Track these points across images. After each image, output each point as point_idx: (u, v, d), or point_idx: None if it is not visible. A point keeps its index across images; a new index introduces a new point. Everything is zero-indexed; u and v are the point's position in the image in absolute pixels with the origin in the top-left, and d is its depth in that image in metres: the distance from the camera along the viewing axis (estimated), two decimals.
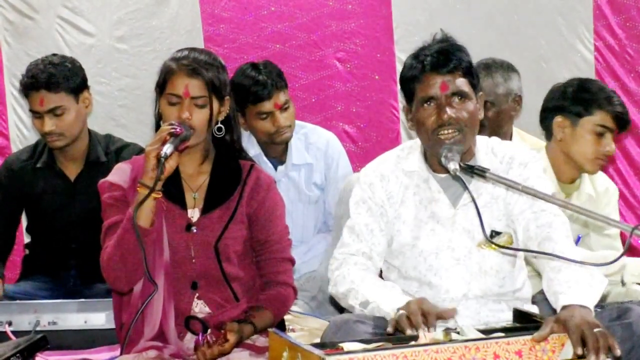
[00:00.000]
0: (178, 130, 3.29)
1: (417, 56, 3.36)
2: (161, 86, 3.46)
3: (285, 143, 4.89)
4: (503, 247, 3.35)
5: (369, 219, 3.45)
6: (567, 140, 4.34)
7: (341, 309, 3.68)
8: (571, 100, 4.33)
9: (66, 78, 4.36)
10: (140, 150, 4.46)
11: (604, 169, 4.53)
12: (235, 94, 4.65)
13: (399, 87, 5.62)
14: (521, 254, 3.48)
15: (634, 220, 5.69)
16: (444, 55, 3.31)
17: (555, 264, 3.13)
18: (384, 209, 3.45)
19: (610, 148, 4.31)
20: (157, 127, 3.47)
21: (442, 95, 3.30)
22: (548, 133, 4.44)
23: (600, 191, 4.47)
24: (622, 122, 4.32)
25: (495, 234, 3.36)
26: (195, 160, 3.52)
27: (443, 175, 3.39)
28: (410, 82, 3.36)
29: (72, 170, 4.47)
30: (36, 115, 4.34)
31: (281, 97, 4.79)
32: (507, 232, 3.39)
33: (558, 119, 4.35)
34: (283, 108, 4.80)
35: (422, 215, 3.41)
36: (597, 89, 4.33)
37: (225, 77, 3.52)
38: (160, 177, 3.26)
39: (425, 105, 3.32)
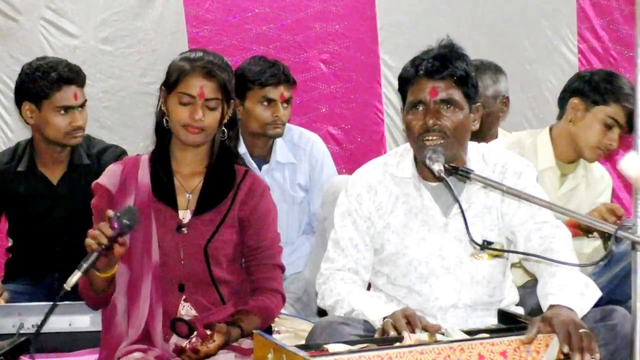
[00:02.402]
0: (114, 229, 3.16)
1: (415, 59, 3.35)
2: (172, 85, 3.46)
3: (274, 138, 4.92)
4: (498, 250, 3.36)
5: (354, 233, 3.44)
6: (577, 122, 4.38)
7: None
8: (593, 86, 4.37)
9: (83, 75, 4.43)
10: (122, 153, 4.47)
11: None
12: (241, 77, 4.74)
13: (383, 89, 5.70)
14: (510, 263, 3.51)
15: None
16: (439, 62, 3.30)
17: (552, 270, 3.14)
18: (371, 221, 3.43)
19: (614, 143, 4.35)
20: (159, 125, 3.50)
21: (431, 101, 3.28)
22: (561, 113, 4.48)
23: (596, 177, 4.53)
24: (630, 122, 4.33)
25: (487, 243, 3.34)
26: (197, 161, 3.53)
27: (434, 184, 3.38)
28: (404, 85, 3.37)
29: (54, 174, 4.44)
30: (65, 110, 4.32)
31: (287, 92, 4.88)
32: (499, 242, 3.38)
33: (574, 100, 4.39)
34: (285, 103, 4.85)
35: (412, 224, 3.40)
36: (621, 83, 4.37)
37: (233, 81, 3.55)
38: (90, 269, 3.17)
39: (414, 109, 3.31)
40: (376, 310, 3.16)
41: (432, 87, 3.28)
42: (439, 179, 3.23)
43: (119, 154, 4.46)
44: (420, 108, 3.30)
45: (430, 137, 3.27)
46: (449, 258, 3.38)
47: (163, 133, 3.53)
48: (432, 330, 2.97)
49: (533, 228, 3.32)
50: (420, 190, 3.40)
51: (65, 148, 4.41)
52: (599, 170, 4.60)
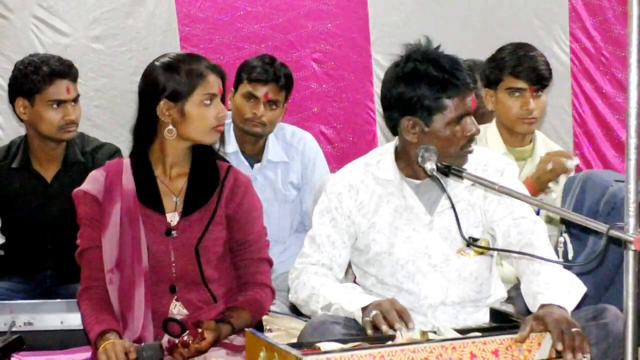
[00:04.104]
0: None
1: (438, 67, 3.28)
2: (188, 89, 3.41)
3: (253, 136, 4.91)
4: (486, 248, 3.38)
5: (332, 230, 3.44)
6: (495, 108, 4.52)
7: (301, 314, 3.68)
8: (488, 72, 4.52)
9: (75, 69, 4.43)
10: (116, 151, 4.47)
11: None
12: (240, 68, 4.82)
13: (375, 88, 5.69)
14: (495, 259, 3.52)
15: None
16: (469, 72, 3.32)
17: (535, 267, 3.15)
18: (351, 220, 3.43)
19: (529, 106, 4.41)
20: (149, 126, 3.47)
21: (471, 111, 3.32)
22: None
23: None
24: (532, 80, 4.41)
25: (472, 240, 3.35)
26: (182, 163, 3.51)
27: (417, 182, 3.39)
28: (441, 94, 3.27)
29: (48, 171, 4.44)
30: (57, 103, 4.32)
31: (274, 94, 4.82)
32: (485, 239, 3.40)
33: (485, 92, 4.54)
34: (270, 104, 4.82)
35: (397, 222, 3.40)
36: (505, 53, 4.48)
37: None
38: None
39: (459, 121, 3.28)
40: (353, 301, 3.16)
41: (472, 98, 3.31)
42: (425, 176, 3.27)
43: (114, 151, 4.46)
44: (466, 119, 3.30)
45: (471, 146, 3.34)
46: (435, 255, 3.39)
47: (144, 138, 3.51)
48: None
49: (512, 224, 3.34)
50: (403, 189, 3.40)
51: (60, 144, 4.41)
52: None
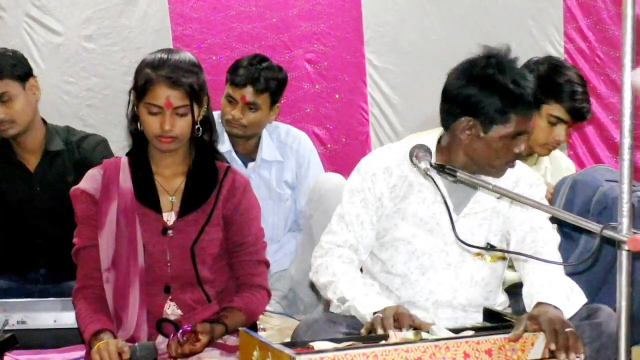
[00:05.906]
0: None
1: (515, 82, 3.29)
2: (140, 92, 3.40)
3: (236, 137, 4.92)
4: (500, 250, 3.40)
5: (361, 210, 3.41)
6: None
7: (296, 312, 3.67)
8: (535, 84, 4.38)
9: (10, 65, 4.34)
10: (102, 141, 4.46)
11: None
12: (229, 68, 4.84)
13: (368, 88, 5.69)
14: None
15: None
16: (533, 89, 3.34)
17: (539, 272, 3.19)
18: (381, 202, 3.41)
19: (561, 138, 4.36)
20: (133, 127, 3.47)
21: (529, 131, 3.36)
22: None
23: (562, 167, 4.57)
24: (578, 116, 4.37)
25: (490, 246, 3.37)
26: (176, 163, 3.50)
27: (452, 179, 3.38)
28: (509, 108, 3.28)
29: (30, 162, 4.43)
30: None
31: (250, 96, 4.81)
32: (501, 247, 3.42)
33: None
34: (249, 105, 4.81)
35: (423, 214, 3.39)
36: (562, 80, 4.36)
37: (203, 78, 3.47)
38: None
39: (516, 137, 3.29)
40: (368, 304, 3.16)
41: (534, 120, 3.40)
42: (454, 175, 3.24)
43: (99, 141, 4.46)
44: (520, 138, 3.30)
45: (514, 163, 3.37)
46: (452, 255, 3.39)
47: (139, 136, 3.50)
48: (424, 327, 2.97)
49: (528, 230, 3.36)
50: (437, 182, 3.36)
51: (34, 134, 4.38)
52: (565, 162, 4.67)
